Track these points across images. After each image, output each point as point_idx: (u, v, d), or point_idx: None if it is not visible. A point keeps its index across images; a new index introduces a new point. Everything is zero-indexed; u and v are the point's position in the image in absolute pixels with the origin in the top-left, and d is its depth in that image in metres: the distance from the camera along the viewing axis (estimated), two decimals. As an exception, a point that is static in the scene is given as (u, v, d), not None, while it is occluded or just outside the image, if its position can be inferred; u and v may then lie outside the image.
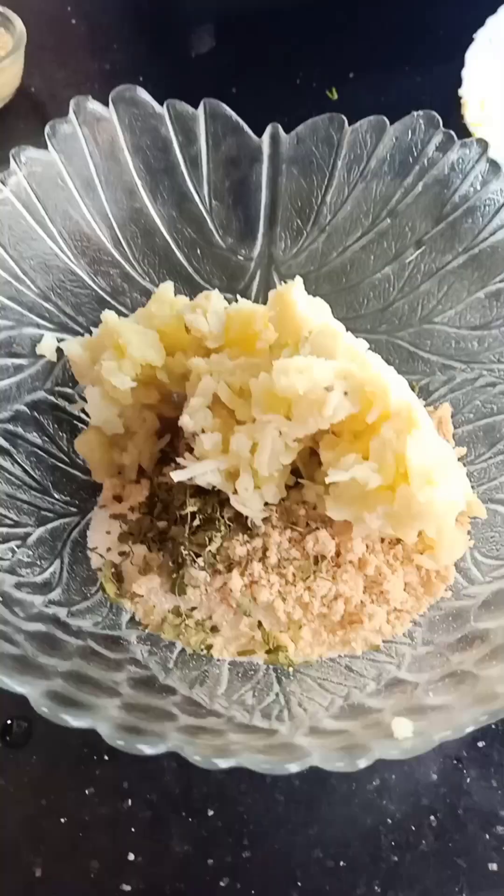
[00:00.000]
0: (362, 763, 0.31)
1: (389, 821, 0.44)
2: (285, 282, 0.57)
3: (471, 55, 0.72)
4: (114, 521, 0.50)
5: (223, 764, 0.31)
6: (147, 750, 0.31)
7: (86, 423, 0.52)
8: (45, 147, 0.51)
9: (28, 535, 0.46)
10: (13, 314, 0.50)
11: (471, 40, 0.74)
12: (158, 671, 0.41)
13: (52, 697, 0.32)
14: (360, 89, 0.76)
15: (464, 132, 0.67)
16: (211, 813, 0.44)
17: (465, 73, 0.71)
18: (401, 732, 0.32)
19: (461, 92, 0.69)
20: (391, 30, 0.85)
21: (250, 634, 0.45)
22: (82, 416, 0.53)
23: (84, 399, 0.52)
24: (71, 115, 0.52)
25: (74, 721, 0.32)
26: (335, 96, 0.70)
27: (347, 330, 0.57)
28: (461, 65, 0.72)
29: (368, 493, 0.41)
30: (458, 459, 0.51)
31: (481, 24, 0.75)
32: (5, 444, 0.48)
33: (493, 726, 0.46)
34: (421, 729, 0.32)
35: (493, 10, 0.76)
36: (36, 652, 0.37)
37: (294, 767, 0.31)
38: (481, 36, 0.74)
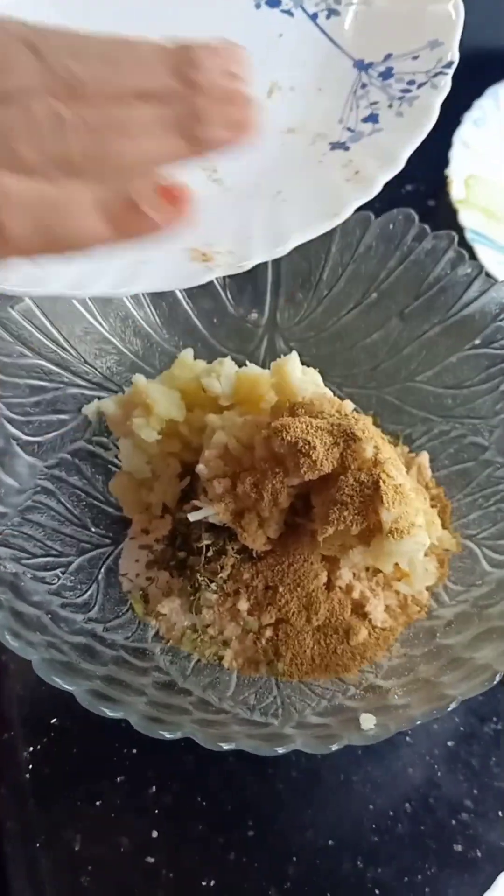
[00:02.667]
0: (334, 747, 0.39)
1: (371, 807, 0.52)
2: (290, 346, 0.67)
3: (457, 137, 0.81)
4: (141, 550, 0.60)
5: (226, 747, 0.40)
6: (167, 735, 0.40)
7: (118, 467, 0.62)
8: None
9: (70, 563, 0.55)
10: (59, 378, 0.60)
11: (458, 122, 0.83)
12: (178, 677, 0.50)
13: (92, 695, 0.42)
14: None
15: (449, 209, 0.76)
16: (222, 798, 0.52)
17: (451, 153, 0.80)
18: (366, 725, 0.41)
19: (448, 171, 0.78)
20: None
21: (254, 648, 0.54)
22: (115, 461, 0.62)
23: (117, 447, 0.62)
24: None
25: (110, 712, 0.41)
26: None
27: (343, 386, 0.66)
28: (449, 145, 0.81)
29: (351, 536, 0.50)
30: (441, 497, 0.60)
31: (468, 107, 0.84)
32: (51, 487, 0.57)
33: (461, 728, 0.54)
34: (382, 722, 0.40)
35: (479, 94, 0.86)
36: (78, 659, 0.46)
37: (281, 750, 0.39)
38: (468, 118, 0.83)
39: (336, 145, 0.44)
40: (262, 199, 0.43)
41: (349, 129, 0.44)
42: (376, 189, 0.41)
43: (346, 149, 0.43)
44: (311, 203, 0.41)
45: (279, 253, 0.39)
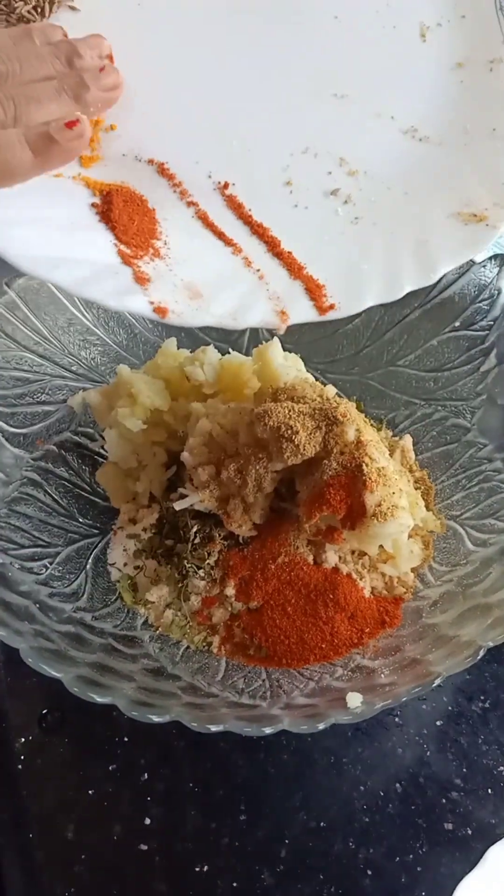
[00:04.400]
0: (321, 726, 0.39)
1: (362, 788, 0.52)
2: (271, 334, 0.67)
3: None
4: (129, 540, 0.60)
5: (214, 728, 0.40)
6: (155, 719, 0.40)
7: (105, 458, 0.62)
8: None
9: (58, 553, 0.55)
10: (43, 369, 0.60)
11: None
12: (167, 663, 0.50)
13: (81, 681, 0.42)
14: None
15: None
16: (214, 784, 0.53)
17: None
18: (352, 703, 0.41)
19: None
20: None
21: (242, 634, 0.54)
22: (102, 451, 0.62)
23: (103, 438, 0.62)
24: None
25: (98, 698, 0.41)
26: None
27: (326, 373, 0.66)
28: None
29: (336, 520, 0.50)
30: (425, 479, 0.61)
31: None
32: (38, 479, 0.57)
33: (449, 707, 0.54)
34: (368, 700, 0.41)
35: None
36: (67, 647, 0.46)
37: (268, 730, 0.40)
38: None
39: None
40: (482, 141, 0.42)
41: None
42: None
43: None
44: None
45: None
